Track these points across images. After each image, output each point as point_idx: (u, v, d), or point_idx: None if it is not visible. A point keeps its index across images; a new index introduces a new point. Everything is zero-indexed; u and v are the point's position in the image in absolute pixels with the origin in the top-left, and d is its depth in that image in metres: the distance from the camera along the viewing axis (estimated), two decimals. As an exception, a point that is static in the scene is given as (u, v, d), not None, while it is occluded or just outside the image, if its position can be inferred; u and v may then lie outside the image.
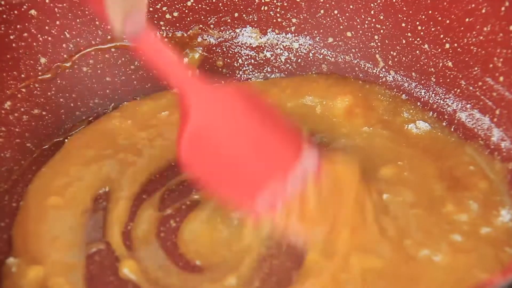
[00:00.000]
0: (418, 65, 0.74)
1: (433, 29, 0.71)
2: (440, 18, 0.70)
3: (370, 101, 0.75)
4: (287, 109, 0.75)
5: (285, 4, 0.77)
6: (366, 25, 0.75)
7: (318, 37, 0.78)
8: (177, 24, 0.77)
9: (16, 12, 0.69)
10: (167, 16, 0.76)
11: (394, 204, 0.66)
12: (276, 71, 0.79)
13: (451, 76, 0.72)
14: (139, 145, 0.72)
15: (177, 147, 0.61)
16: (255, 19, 0.78)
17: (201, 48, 0.78)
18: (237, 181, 0.63)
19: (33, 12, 0.70)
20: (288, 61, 0.79)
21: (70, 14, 0.73)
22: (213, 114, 0.62)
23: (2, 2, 0.68)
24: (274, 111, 0.66)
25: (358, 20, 0.75)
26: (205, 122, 0.62)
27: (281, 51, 0.79)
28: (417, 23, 0.72)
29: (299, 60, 0.79)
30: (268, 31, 0.78)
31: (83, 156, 0.71)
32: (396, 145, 0.71)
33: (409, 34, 0.73)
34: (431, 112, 0.74)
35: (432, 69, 0.73)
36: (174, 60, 0.61)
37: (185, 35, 0.78)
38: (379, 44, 0.76)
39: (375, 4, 0.74)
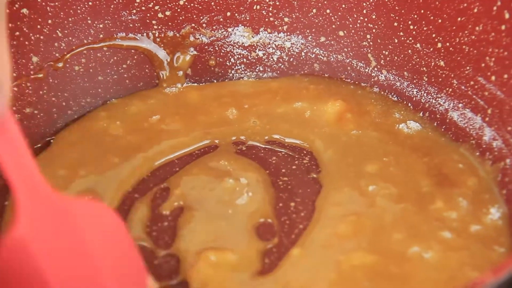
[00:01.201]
0: (410, 64, 0.74)
1: (425, 28, 0.71)
2: (432, 18, 0.71)
3: (363, 106, 0.75)
4: (277, 115, 0.75)
5: (277, 3, 0.77)
6: (358, 24, 0.75)
7: (310, 36, 0.78)
8: (169, 23, 0.77)
9: (7, 10, 0.69)
10: (159, 15, 0.76)
11: (380, 197, 0.66)
12: (268, 70, 0.79)
13: (443, 75, 0.72)
14: (129, 149, 0.71)
15: None
16: (248, 18, 0.78)
17: (193, 47, 0.78)
18: None
19: (25, 11, 0.70)
20: (280, 60, 0.79)
21: (62, 13, 0.73)
22: (45, 230, 0.51)
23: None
24: (128, 244, 0.57)
25: (350, 19, 0.76)
26: (31, 236, 0.50)
27: (273, 50, 0.79)
28: (409, 22, 0.72)
29: (291, 59, 0.79)
30: (260, 30, 0.78)
31: (70, 158, 0.70)
32: (384, 143, 0.71)
33: (401, 34, 0.73)
34: (423, 112, 0.74)
35: (424, 68, 0.73)
36: (26, 156, 0.52)
37: (177, 34, 0.78)
38: (371, 43, 0.76)
39: (368, 3, 0.74)
